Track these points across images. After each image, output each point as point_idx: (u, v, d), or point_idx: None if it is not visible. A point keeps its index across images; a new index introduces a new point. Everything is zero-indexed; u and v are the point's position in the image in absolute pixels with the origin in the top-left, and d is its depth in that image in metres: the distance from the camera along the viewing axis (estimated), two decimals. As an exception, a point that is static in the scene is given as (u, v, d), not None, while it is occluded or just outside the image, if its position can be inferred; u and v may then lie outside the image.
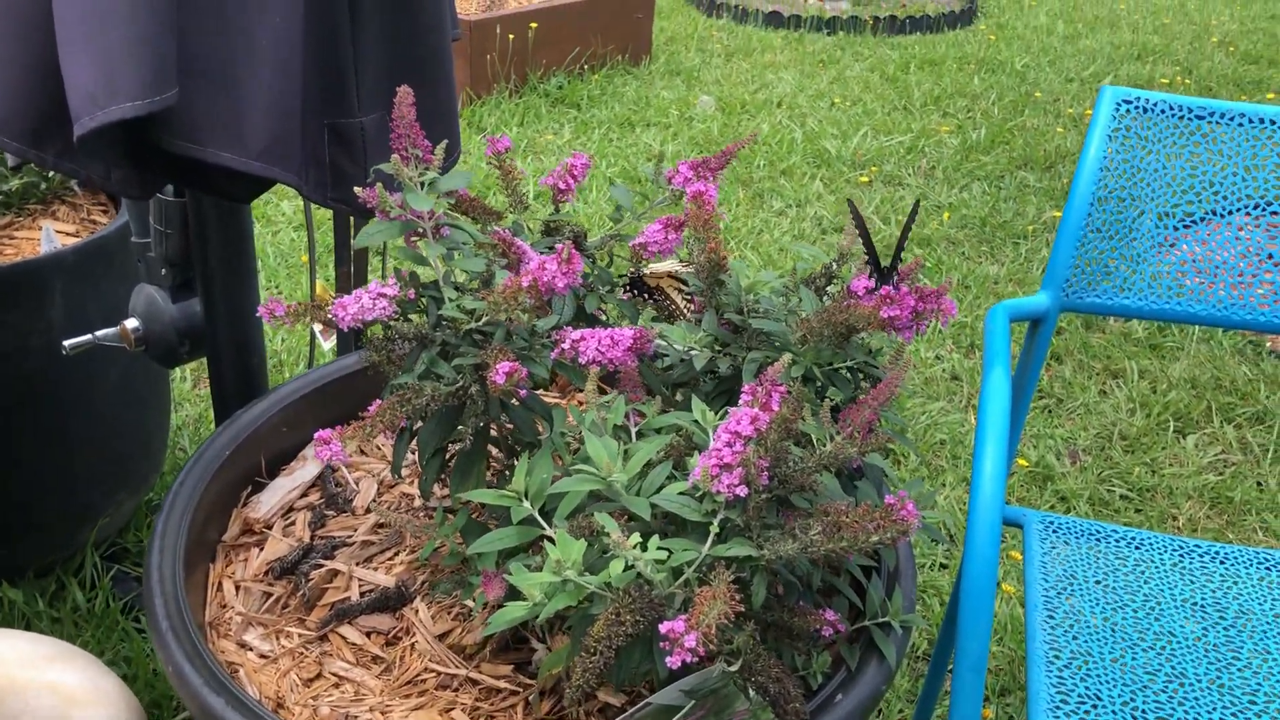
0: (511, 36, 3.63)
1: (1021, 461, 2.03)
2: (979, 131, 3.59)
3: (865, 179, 3.23)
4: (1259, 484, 2.02)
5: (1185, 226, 1.09)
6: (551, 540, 0.71)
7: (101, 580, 1.57)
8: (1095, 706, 0.96)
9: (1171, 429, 2.16)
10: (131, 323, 1.28)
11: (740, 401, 0.72)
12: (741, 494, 0.68)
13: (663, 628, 0.61)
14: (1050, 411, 2.21)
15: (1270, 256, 1.09)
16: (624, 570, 0.65)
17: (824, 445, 0.76)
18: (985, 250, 2.86)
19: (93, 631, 1.51)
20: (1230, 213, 1.09)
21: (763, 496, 0.70)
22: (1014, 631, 1.63)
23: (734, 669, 0.71)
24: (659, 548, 0.66)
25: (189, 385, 2.11)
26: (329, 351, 1.66)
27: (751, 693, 0.75)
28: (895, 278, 0.82)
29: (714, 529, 0.69)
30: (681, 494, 0.71)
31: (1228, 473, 2.04)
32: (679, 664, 0.61)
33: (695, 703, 0.72)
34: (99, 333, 1.32)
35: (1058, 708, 0.95)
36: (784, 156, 3.33)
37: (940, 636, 1.42)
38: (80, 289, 1.42)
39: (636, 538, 0.65)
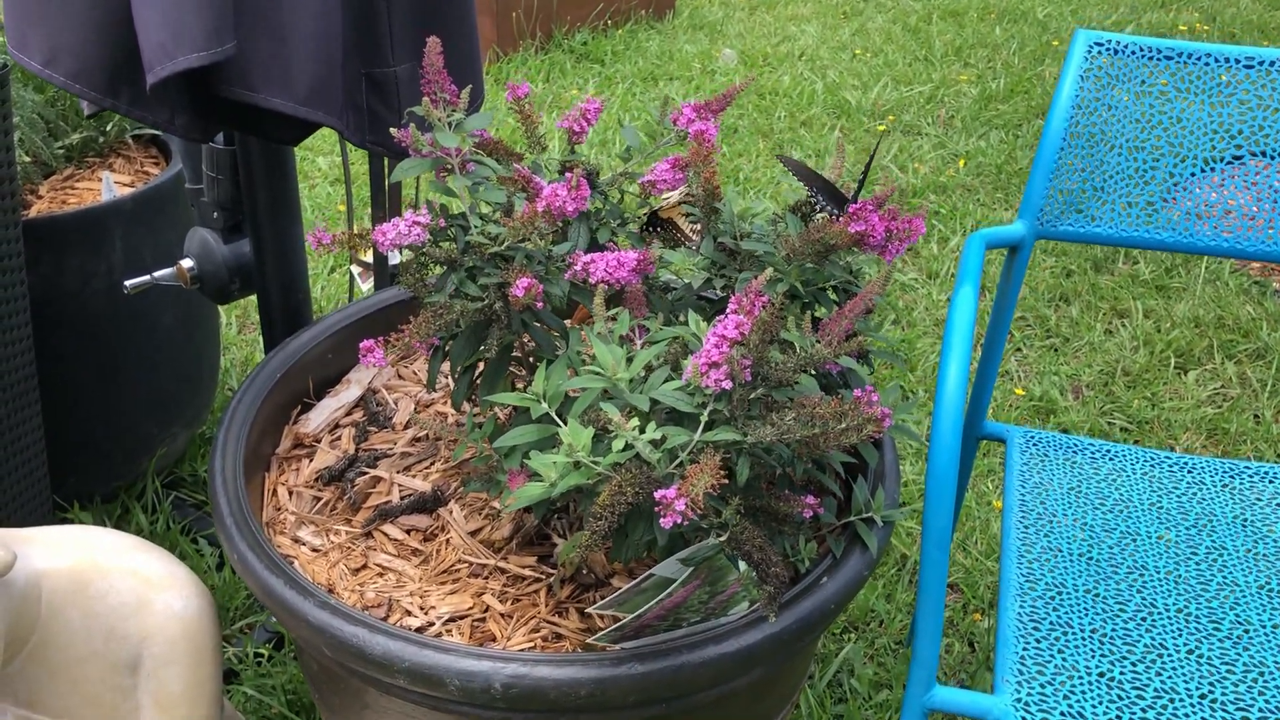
0: (537, -7, 3.71)
1: (1018, 391, 2.12)
2: (999, 81, 3.64)
3: (883, 128, 3.29)
4: (1255, 416, 2.11)
5: (1155, 160, 1.18)
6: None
7: (162, 505, 1.70)
8: (1059, 594, 1.07)
9: (1173, 365, 2.24)
10: (187, 263, 1.40)
11: (728, 311, 0.83)
12: (727, 387, 0.79)
13: (657, 494, 0.72)
14: (1056, 350, 2.30)
15: (1228, 186, 1.18)
16: (624, 449, 0.75)
17: (805, 351, 0.87)
18: (1000, 197, 2.93)
19: (156, 550, 1.65)
20: (1198, 150, 1.17)
21: (746, 390, 0.80)
22: (1010, 550, 1.74)
23: (723, 539, 0.82)
24: (655, 432, 0.77)
25: (234, 330, 2.24)
26: (367, 293, 1.78)
27: (742, 566, 0.86)
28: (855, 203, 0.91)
29: (703, 418, 0.80)
30: (676, 390, 0.81)
31: (1226, 406, 2.12)
32: (670, 524, 0.72)
33: (692, 571, 0.83)
34: (157, 273, 1.44)
35: (1025, 593, 1.06)
36: (804, 108, 3.41)
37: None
38: (137, 234, 1.54)
39: (635, 421, 0.75)
